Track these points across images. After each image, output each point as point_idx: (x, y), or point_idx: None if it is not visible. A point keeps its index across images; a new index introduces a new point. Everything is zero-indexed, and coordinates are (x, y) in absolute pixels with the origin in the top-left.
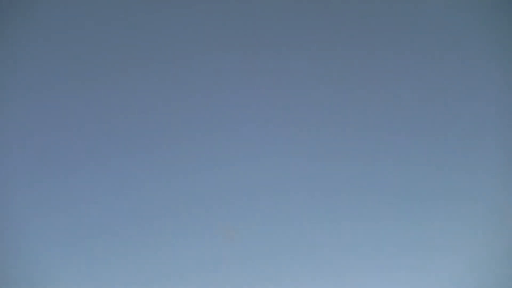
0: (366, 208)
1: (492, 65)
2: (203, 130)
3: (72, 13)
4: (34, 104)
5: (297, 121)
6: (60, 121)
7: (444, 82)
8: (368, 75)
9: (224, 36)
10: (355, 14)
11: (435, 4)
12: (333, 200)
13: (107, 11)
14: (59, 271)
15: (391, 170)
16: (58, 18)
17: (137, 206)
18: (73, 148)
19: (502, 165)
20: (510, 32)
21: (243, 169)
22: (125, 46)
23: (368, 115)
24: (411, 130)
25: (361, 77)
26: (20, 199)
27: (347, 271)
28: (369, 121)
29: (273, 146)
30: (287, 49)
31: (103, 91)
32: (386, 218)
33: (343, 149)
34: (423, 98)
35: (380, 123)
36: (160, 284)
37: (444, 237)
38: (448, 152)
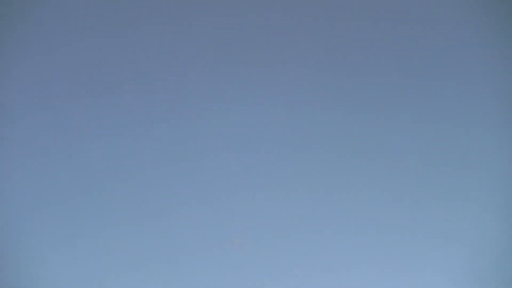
0: (364, 207)
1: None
2: (206, 127)
3: (74, 16)
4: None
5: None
6: (60, 124)
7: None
8: (365, 76)
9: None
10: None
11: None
12: (333, 197)
13: (109, 16)
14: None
15: (390, 170)
16: (59, 20)
17: (139, 206)
18: (75, 150)
19: (502, 164)
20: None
21: (247, 172)
22: (125, 54)
23: (365, 115)
24: (409, 129)
25: (356, 75)
26: (21, 200)
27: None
28: (366, 120)
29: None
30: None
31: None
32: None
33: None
34: (421, 97)
35: (378, 123)
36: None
37: (443, 237)
38: (447, 150)
